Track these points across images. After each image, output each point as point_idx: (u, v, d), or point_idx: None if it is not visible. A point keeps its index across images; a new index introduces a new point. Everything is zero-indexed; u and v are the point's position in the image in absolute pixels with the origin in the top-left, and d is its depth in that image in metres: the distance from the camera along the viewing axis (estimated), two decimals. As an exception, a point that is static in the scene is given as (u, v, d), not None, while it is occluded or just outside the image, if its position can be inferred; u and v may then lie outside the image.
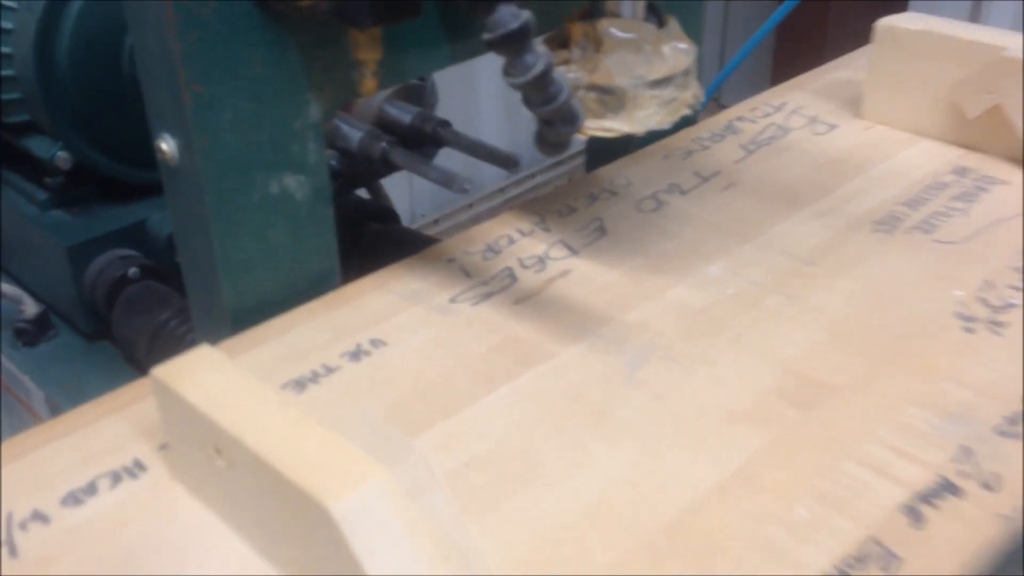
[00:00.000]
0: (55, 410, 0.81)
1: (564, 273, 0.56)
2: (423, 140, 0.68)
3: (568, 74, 0.50)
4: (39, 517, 0.41)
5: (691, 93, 0.52)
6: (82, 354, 0.85)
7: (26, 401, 0.85)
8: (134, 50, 0.48)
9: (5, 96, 0.80)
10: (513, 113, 1.99)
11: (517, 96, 0.43)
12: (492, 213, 2.01)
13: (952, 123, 0.67)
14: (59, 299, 0.85)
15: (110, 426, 0.46)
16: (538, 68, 0.41)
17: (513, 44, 0.40)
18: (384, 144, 0.64)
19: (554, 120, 0.43)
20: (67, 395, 0.80)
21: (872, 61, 0.70)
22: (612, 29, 0.50)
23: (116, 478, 0.42)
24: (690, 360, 0.49)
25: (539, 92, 0.41)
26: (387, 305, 0.53)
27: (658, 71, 0.50)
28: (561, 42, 0.52)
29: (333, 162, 0.68)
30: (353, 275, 0.57)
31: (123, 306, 0.81)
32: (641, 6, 0.51)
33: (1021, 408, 0.44)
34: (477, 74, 1.91)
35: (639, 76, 0.49)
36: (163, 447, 0.44)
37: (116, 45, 0.79)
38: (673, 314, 0.52)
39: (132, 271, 0.81)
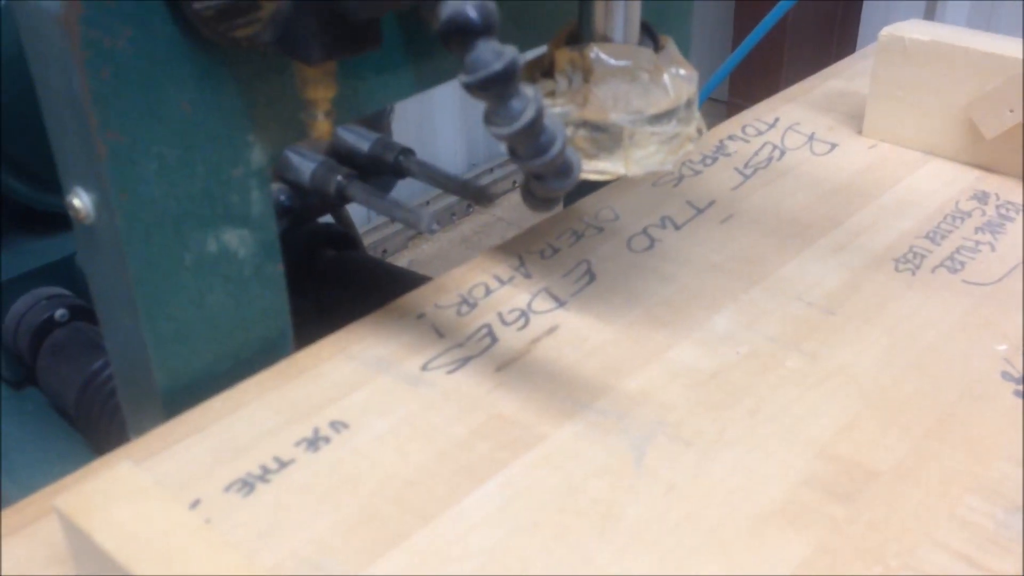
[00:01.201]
0: (-24, 472, 0.72)
1: (551, 330, 0.49)
2: (383, 170, 0.61)
3: (554, 108, 0.43)
4: None
5: (694, 127, 0.45)
6: (6, 403, 0.76)
7: (-58, 460, 0.76)
8: (36, 89, 0.40)
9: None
10: (469, 106, 1.91)
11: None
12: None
13: (967, 141, 0.61)
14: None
15: (13, 550, 0.38)
16: (527, 116, 0.33)
17: (496, 88, 0.33)
18: (340, 177, 0.56)
19: (545, 175, 0.35)
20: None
21: (875, 73, 0.63)
22: (603, 55, 0.43)
23: None
24: (705, 441, 0.42)
25: (528, 143, 0.34)
26: (349, 375, 0.46)
27: (658, 104, 0.43)
28: (544, 70, 0.44)
29: (282, 197, 0.60)
30: (307, 311, 0.50)
31: (49, 352, 0.73)
32: (634, 23, 0.44)
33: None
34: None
35: (636, 111, 0.42)
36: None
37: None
38: (680, 381, 0.45)
39: (59, 313, 0.73)
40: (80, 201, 0.40)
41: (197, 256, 0.43)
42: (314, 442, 0.42)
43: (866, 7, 2.13)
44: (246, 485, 0.40)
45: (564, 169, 0.35)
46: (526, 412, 0.44)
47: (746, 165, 0.62)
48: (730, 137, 0.65)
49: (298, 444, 0.42)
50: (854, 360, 0.46)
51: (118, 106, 0.38)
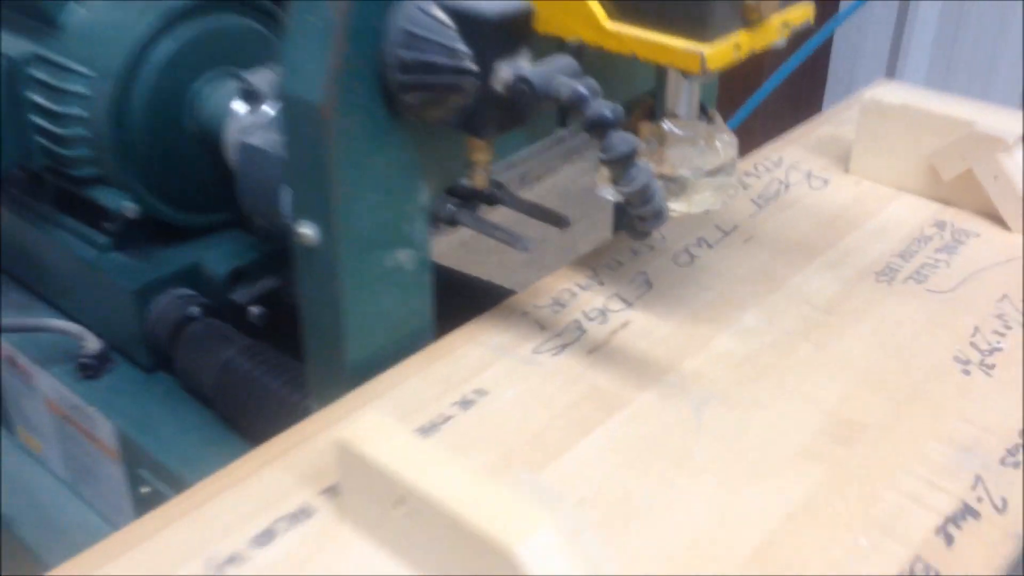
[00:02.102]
0: (124, 439, 0.88)
1: (624, 324, 0.66)
2: (479, 199, 0.77)
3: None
4: (236, 558, 0.49)
5: (736, 178, 0.62)
6: (143, 385, 0.92)
7: (91, 432, 0.91)
8: (288, 153, 0.56)
9: (76, 153, 0.87)
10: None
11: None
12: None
13: (929, 181, 0.79)
14: (119, 335, 0.92)
15: (271, 475, 0.54)
16: (641, 181, 0.50)
17: (624, 163, 0.50)
18: (451, 206, 0.72)
19: (647, 217, 0.52)
20: (135, 424, 0.87)
21: (859, 126, 0.81)
22: (673, 127, 0.60)
23: (292, 521, 0.51)
24: (744, 405, 0.59)
25: (641, 197, 0.51)
26: (480, 357, 0.63)
27: (712, 162, 0.60)
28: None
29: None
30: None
31: (187, 343, 0.88)
32: (695, 105, 0.61)
33: (1019, 441, 0.55)
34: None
35: (697, 167, 0.59)
36: (324, 491, 0.52)
37: (180, 107, 0.87)
38: (722, 362, 0.62)
39: (193, 310, 0.89)
40: (309, 230, 0.57)
41: (381, 269, 0.59)
42: (465, 404, 0.59)
43: (833, 59, 2.32)
44: (424, 432, 0.57)
45: (660, 213, 0.52)
46: (614, 384, 0.61)
47: (759, 197, 0.79)
48: (746, 174, 0.82)
49: (453, 405, 0.59)
50: (848, 348, 0.63)
51: (346, 165, 0.54)
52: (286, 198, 0.60)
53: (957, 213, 0.77)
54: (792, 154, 0.86)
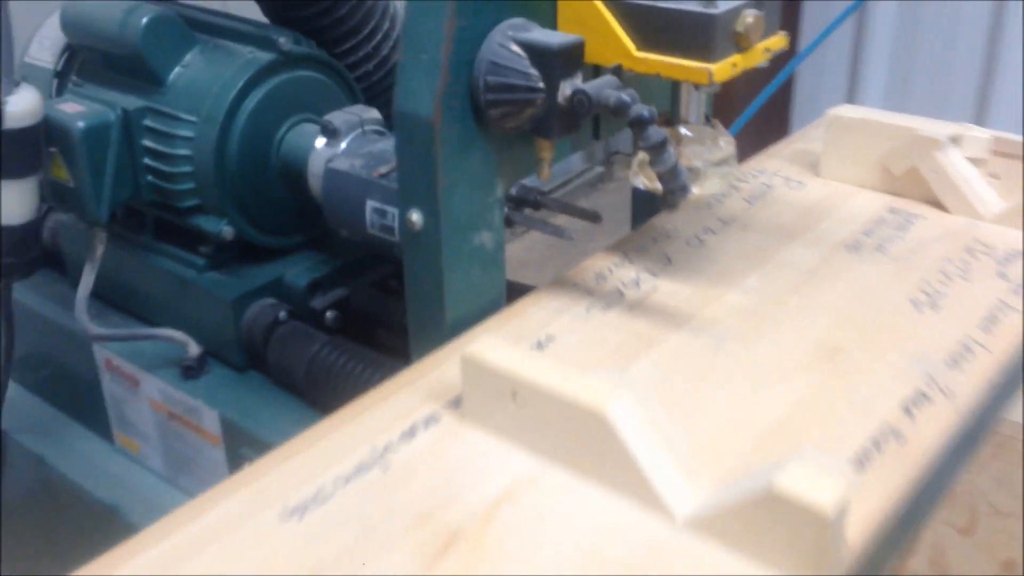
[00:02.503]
0: (227, 424, 1.04)
1: (654, 289, 0.84)
2: (526, 204, 0.96)
3: (660, 160, 0.79)
4: (390, 447, 0.66)
5: (736, 169, 0.81)
6: (238, 382, 1.09)
7: (195, 423, 1.08)
8: (399, 157, 0.75)
9: (182, 187, 1.05)
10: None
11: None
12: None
13: (883, 178, 0.98)
14: (216, 341, 1.09)
15: (405, 395, 0.72)
16: (671, 161, 0.69)
17: (660, 148, 0.68)
18: (505, 209, 0.91)
19: (676, 190, 0.71)
20: (236, 411, 1.04)
21: (825, 138, 1.01)
22: (686, 130, 0.79)
23: (426, 423, 0.68)
24: (753, 339, 0.77)
25: (672, 174, 0.70)
26: (546, 316, 0.80)
27: (717, 156, 0.79)
28: (650, 140, 0.80)
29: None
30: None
31: (278, 343, 1.05)
32: (702, 112, 0.80)
33: (958, 349, 0.74)
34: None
35: (706, 159, 0.78)
36: (446, 405, 0.70)
37: (268, 147, 1.05)
38: (734, 311, 0.81)
39: (282, 315, 1.06)
40: (416, 216, 0.75)
41: (469, 247, 0.77)
42: (539, 345, 0.77)
43: (798, 87, 2.57)
44: (512, 366, 0.74)
45: (685, 187, 0.71)
46: (651, 329, 0.79)
47: (750, 196, 0.99)
48: (737, 180, 1.02)
49: (531, 347, 0.77)
50: (829, 299, 0.82)
51: (446, 165, 0.73)
52: (369, 211, 0.79)
53: (906, 202, 0.97)
54: (772, 164, 1.05)
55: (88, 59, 1.13)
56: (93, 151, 1.03)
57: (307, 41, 1.10)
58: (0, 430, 1.25)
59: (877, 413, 0.68)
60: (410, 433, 0.68)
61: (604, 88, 0.69)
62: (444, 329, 0.78)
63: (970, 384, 0.71)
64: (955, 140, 0.93)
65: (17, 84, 0.99)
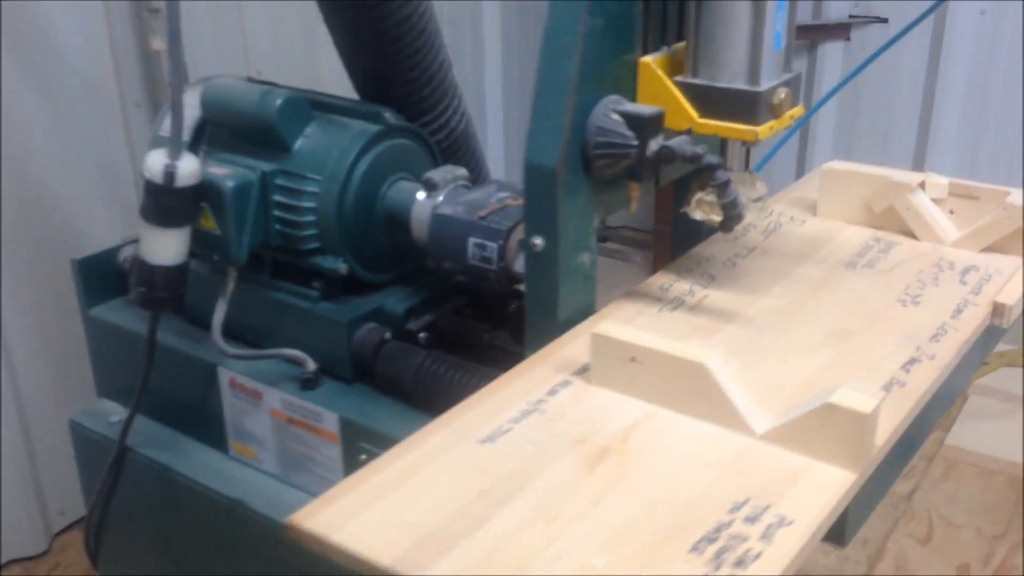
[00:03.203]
0: (345, 423, 1.28)
1: (705, 296, 1.11)
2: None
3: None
4: (541, 402, 0.91)
5: (767, 205, 1.09)
6: (349, 391, 1.32)
7: (314, 426, 1.31)
8: (526, 196, 1.01)
9: (307, 233, 1.30)
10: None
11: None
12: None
13: (867, 216, 1.27)
14: (328, 358, 1.33)
15: (539, 371, 0.97)
16: (733, 194, 0.97)
17: (725, 186, 0.96)
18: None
19: (733, 216, 0.98)
20: (353, 411, 1.28)
21: (820, 185, 1.30)
22: (732, 176, 1.07)
23: (562, 385, 0.94)
24: (781, 328, 1.04)
25: (732, 205, 0.97)
26: (627, 316, 1.07)
27: (754, 195, 1.06)
28: (701, 185, 1.08)
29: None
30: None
31: (386, 357, 1.30)
32: (743, 162, 1.08)
33: (937, 332, 1.01)
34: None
35: (747, 197, 1.06)
36: (573, 374, 0.95)
37: (375, 200, 1.31)
38: (767, 310, 1.08)
39: (387, 335, 1.31)
40: (538, 241, 1.01)
41: (576, 264, 1.04)
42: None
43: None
44: (613, 349, 1.00)
45: (741, 215, 0.98)
46: (709, 323, 1.05)
47: (765, 231, 1.27)
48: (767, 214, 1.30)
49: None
50: (836, 300, 1.09)
51: (563, 201, 0.99)
52: (471, 246, 1.06)
53: (885, 232, 1.25)
54: (779, 207, 1.34)
55: (218, 132, 1.38)
56: (238, 205, 1.28)
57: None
58: (124, 445, 1.47)
59: (884, 370, 0.95)
60: (552, 392, 0.93)
61: (682, 144, 0.97)
62: (557, 326, 1.04)
63: (947, 352, 0.98)
64: (921, 185, 1.22)
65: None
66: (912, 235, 1.23)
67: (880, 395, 0.84)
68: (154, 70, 2.39)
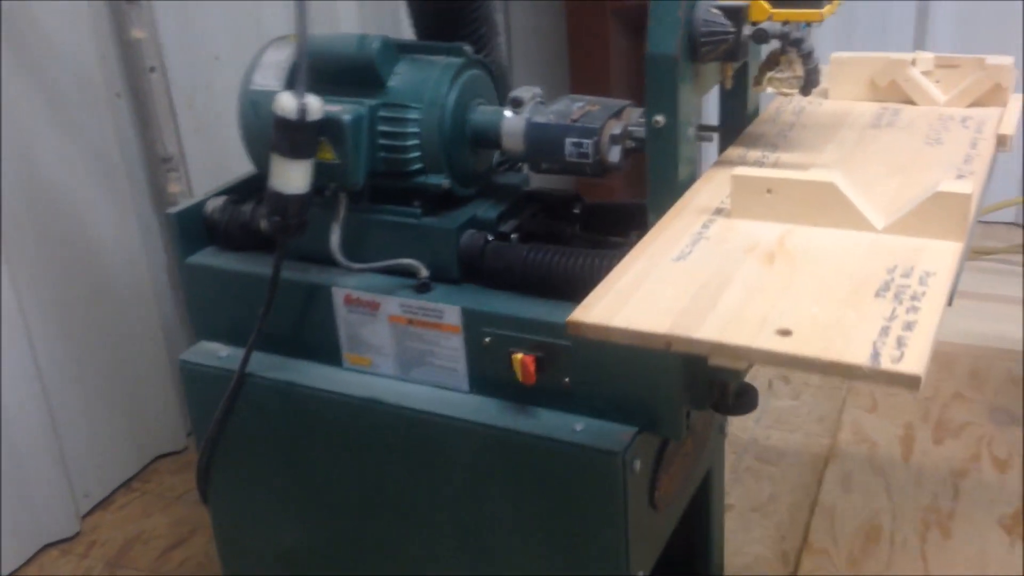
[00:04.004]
0: (467, 314, 1.49)
1: (778, 159, 1.38)
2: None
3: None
4: (700, 234, 1.16)
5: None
6: (461, 289, 1.53)
7: (434, 322, 1.52)
8: (648, 82, 1.25)
9: (411, 156, 1.50)
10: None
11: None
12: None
13: (873, 93, 1.56)
14: (436, 264, 1.53)
15: (683, 216, 1.22)
16: (816, 60, 1.24)
17: (811, 54, 1.23)
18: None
19: (814, 79, 1.25)
20: (474, 304, 1.49)
21: (830, 73, 1.58)
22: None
23: (709, 222, 1.19)
24: (848, 169, 1.31)
25: (815, 70, 1.24)
26: (724, 177, 1.32)
27: (799, 73, 1.34)
28: (770, 67, 1.34)
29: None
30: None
31: (492, 255, 1.51)
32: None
33: (965, 158, 1.31)
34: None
35: (795, 76, 1.33)
36: (712, 213, 1.20)
37: (464, 122, 1.52)
38: (833, 160, 1.35)
39: (489, 237, 1.53)
40: (660, 118, 1.25)
41: (687, 136, 1.29)
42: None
43: None
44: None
45: (818, 80, 1.25)
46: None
47: (794, 112, 1.54)
48: (777, 108, 1.57)
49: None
50: (879, 151, 1.38)
51: (681, 83, 1.24)
52: (568, 145, 1.30)
53: (890, 104, 1.55)
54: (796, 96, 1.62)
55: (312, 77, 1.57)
56: (355, 135, 1.47)
57: (470, 49, 1.59)
58: (244, 372, 1.64)
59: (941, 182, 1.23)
60: (704, 227, 1.18)
61: (772, 25, 1.23)
62: (676, 188, 1.29)
63: (980, 168, 1.28)
64: (913, 61, 1.52)
65: (301, 92, 1.43)
66: (911, 102, 1.53)
67: (971, 188, 1.12)
68: (135, 59, 2.51)
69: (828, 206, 1.13)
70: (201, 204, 1.72)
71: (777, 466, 2.58)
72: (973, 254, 3.47)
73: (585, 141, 1.41)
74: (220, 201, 1.72)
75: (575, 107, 1.47)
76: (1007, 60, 1.47)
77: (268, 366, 1.66)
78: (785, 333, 0.93)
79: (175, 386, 2.76)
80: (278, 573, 1.80)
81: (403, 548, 1.65)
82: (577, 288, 1.31)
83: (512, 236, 1.55)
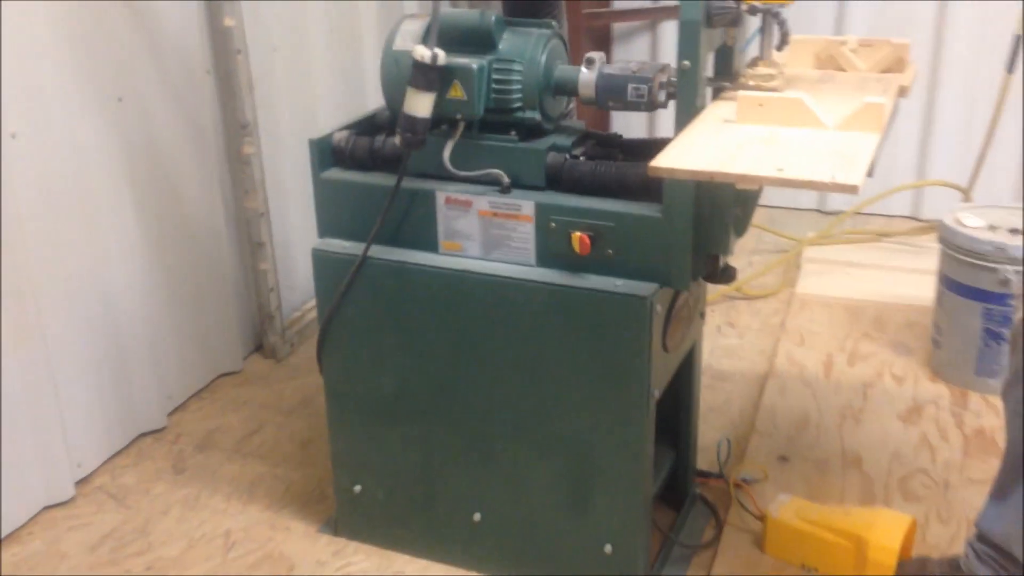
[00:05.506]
0: (539, 207, 2.13)
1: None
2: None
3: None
4: (722, 128, 1.83)
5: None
6: (540, 193, 2.16)
7: (514, 214, 2.16)
8: (680, 37, 1.92)
9: (514, 97, 2.15)
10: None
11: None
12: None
13: (817, 63, 2.26)
14: (525, 176, 2.17)
15: (703, 125, 1.89)
16: (787, 27, 1.93)
17: (787, 31, 1.92)
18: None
19: (786, 40, 1.94)
20: (545, 199, 2.14)
21: (790, 52, 2.28)
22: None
23: (724, 125, 1.86)
24: (820, 100, 2.00)
25: (787, 33, 1.93)
26: (728, 104, 2.00)
27: (779, 63, 2.03)
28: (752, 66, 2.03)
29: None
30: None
31: (570, 167, 2.15)
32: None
33: (883, 90, 2.01)
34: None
35: (777, 65, 2.02)
36: (725, 121, 1.87)
37: (550, 75, 2.17)
38: (808, 93, 2.04)
39: (572, 157, 2.18)
40: (687, 63, 1.93)
41: (703, 77, 1.96)
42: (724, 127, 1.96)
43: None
44: (732, 115, 1.94)
45: (788, 41, 1.94)
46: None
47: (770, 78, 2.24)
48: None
49: (731, 113, 1.96)
50: (834, 91, 2.07)
51: (702, 40, 1.92)
52: (630, 90, 1.98)
53: (828, 71, 2.25)
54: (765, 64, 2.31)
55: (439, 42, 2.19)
56: (479, 78, 2.11)
57: (550, 23, 2.25)
58: (367, 254, 2.24)
59: (866, 97, 1.93)
60: (721, 126, 1.85)
61: (758, 4, 1.92)
62: (695, 111, 1.95)
63: (888, 98, 1.97)
64: (843, 42, 2.23)
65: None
66: (843, 70, 2.24)
67: (886, 100, 1.80)
68: (225, 43, 3.12)
69: (798, 114, 1.81)
70: (329, 136, 2.34)
71: (728, 382, 3.27)
72: (877, 236, 4.25)
73: (643, 86, 2.07)
74: (345, 134, 2.34)
75: (632, 64, 2.13)
76: (906, 41, 2.18)
77: (382, 252, 2.27)
78: (780, 170, 1.61)
79: (236, 315, 3.33)
80: (376, 414, 2.40)
81: (481, 386, 2.27)
82: (628, 188, 1.98)
83: (581, 158, 2.19)
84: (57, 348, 2.66)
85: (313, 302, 3.58)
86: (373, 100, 3.84)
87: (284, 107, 3.43)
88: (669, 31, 4.54)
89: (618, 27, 4.68)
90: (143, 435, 3.04)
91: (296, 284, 3.57)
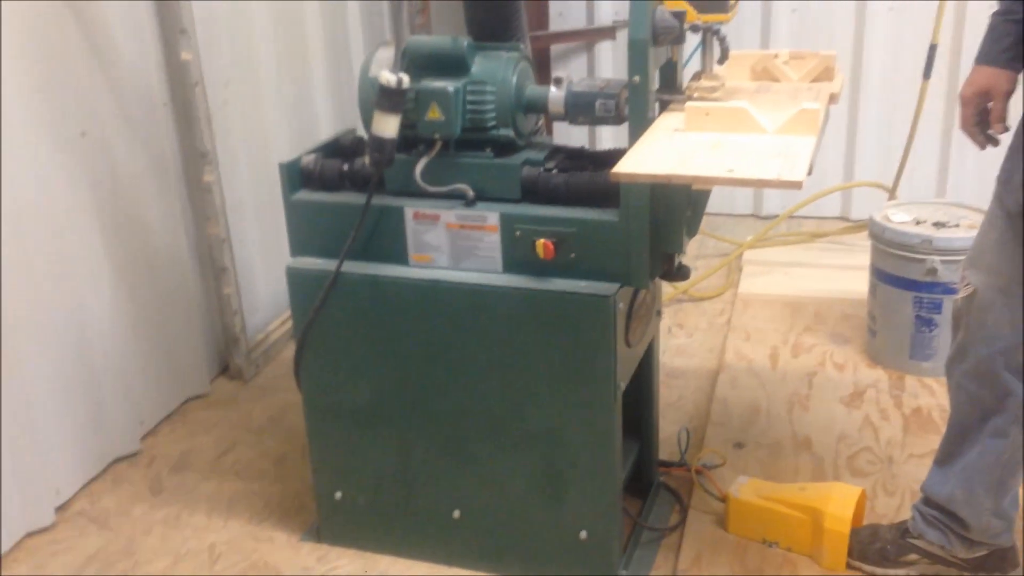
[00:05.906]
0: (505, 218, 2.28)
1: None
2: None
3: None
4: (673, 136, 1.99)
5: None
6: (506, 205, 2.31)
7: (480, 224, 2.29)
8: (633, 58, 2.08)
9: (488, 116, 2.28)
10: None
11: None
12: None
13: (752, 75, 2.44)
14: (498, 189, 2.30)
15: (654, 134, 2.05)
16: (725, 41, 2.10)
17: (726, 46, 2.09)
18: (628, 94, 2.26)
19: (725, 51, 2.11)
20: (511, 210, 2.28)
21: (728, 66, 2.46)
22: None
23: (676, 133, 2.02)
24: (760, 105, 2.18)
25: (726, 47, 2.10)
26: (677, 117, 2.16)
27: (720, 78, 2.20)
28: (695, 79, 2.20)
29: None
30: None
31: (543, 179, 2.30)
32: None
33: (815, 99, 2.19)
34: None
35: (719, 79, 2.19)
36: (674, 131, 2.03)
37: (520, 96, 2.32)
38: (747, 101, 2.21)
39: (546, 170, 2.32)
40: (637, 78, 2.09)
41: (652, 90, 2.12)
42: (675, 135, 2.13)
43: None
44: (680, 125, 2.10)
45: (727, 53, 2.11)
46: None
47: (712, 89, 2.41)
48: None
49: (679, 122, 2.12)
50: (770, 99, 2.25)
51: (649, 55, 2.08)
52: (598, 105, 2.13)
53: (764, 82, 2.43)
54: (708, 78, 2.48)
55: (411, 69, 2.31)
56: (455, 101, 2.24)
57: (514, 46, 2.39)
58: (339, 270, 2.36)
59: (802, 104, 2.10)
60: (672, 134, 2.01)
61: (701, 23, 2.09)
62: (647, 122, 2.11)
63: (821, 104, 2.15)
64: (776, 56, 2.41)
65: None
66: (776, 80, 2.42)
67: (820, 106, 1.98)
68: (183, 76, 3.22)
69: (742, 121, 1.98)
70: (297, 160, 2.45)
71: (681, 379, 3.44)
72: (811, 237, 4.47)
73: (610, 101, 2.23)
74: (312, 157, 2.46)
75: (598, 82, 2.29)
76: (833, 52, 2.37)
77: (354, 267, 2.39)
78: (731, 171, 1.77)
79: (202, 339, 3.42)
80: (355, 421, 2.51)
81: (456, 390, 2.39)
82: (599, 196, 2.15)
83: (553, 171, 2.33)
84: (31, 377, 2.73)
85: (276, 323, 3.70)
86: (325, 128, 3.96)
87: (239, 137, 3.54)
88: (605, 51, 4.74)
89: (555, 48, 4.86)
90: (118, 460, 3.10)
91: (258, 306, 3.67)
